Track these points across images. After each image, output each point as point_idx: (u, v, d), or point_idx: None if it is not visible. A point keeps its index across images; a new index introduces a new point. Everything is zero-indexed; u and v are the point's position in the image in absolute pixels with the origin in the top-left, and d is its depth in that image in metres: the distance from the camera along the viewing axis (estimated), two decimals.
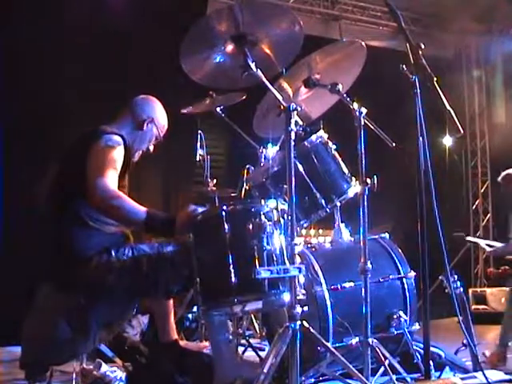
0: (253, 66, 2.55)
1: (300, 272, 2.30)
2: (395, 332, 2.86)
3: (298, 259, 2.35)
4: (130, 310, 2.88)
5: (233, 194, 4.36)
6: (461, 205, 8.72)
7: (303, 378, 2.63)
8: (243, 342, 3.79)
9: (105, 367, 2.92)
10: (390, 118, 4.54)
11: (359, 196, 2.69)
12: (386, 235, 3.19)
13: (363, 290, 2.60)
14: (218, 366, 2.69)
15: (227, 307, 2.47)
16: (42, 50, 5.22)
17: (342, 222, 3.13)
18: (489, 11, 7.24)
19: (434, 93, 2.57)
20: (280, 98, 2.51)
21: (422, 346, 2.68)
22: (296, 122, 2.48)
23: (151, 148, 2.98)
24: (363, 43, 2.95)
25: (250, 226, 2.39)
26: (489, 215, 8.85)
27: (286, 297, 2.35)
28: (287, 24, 2.59)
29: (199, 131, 4.49)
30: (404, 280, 2.99)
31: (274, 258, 2.39)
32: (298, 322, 2.30)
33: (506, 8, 7.19)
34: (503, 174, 5.46)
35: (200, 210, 2.57)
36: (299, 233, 4.00)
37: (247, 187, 3.45)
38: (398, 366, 2.67)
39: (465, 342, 3.40)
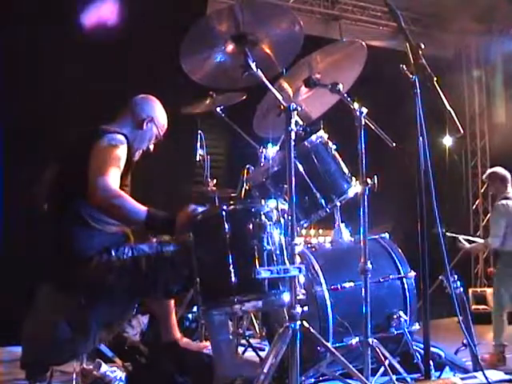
0: (253, 65, 2.55)
1: (300, 272, 2.30)
2: (395, 332, 2.86)
3: (297, 259, 2.35)
4: (129, 309, 2.88)
5: (233, 194, 4.36)
6: (461, 205, 8.72)
7: (303, 378, 2.63)
8: (243, 341, 3.79)
9: (105, 367, 2.92)
10: (390, 118, 4.53)
11: (359, 196, 2.69)
12: (386, 235, 3.19)
13: (363, 290, 2.60)
14: (218, 366, 2.69)
15: (227, 307, 2.47)
16: (41, 49, 5.22)
17: (342, 221, 3.13)
18: (489, 11, 7.24)
19: (434, 93, 2.57)
20: (280, 97, 2.51)
21: (421, 346, 2.68)
22: (296, 121, 2.48)
23: (151, 147, 2.98)
24: (363, 43, 2.95)
25: (250, 226, 2.39)
26: (489, 215, 8.85)
27: (286, 297, 2.35)
28: (287, 24, 2.59)
29: (199, 131, 4.49)
30: (404, 280, 2.99)
31: (274, 258, 2.39)
32: (298, 322, 2.30)
33: (506, 8, 7.19)
34: (488, 171, 5.48)
35: (200, 209, 2.57)
36: (299, 233, 4.00)
37: (247, 187, 3.45)
38: (398, 366, 2.67)
39: (465, 341, 3.41)
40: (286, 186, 2.41)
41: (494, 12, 7.33)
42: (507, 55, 8.17)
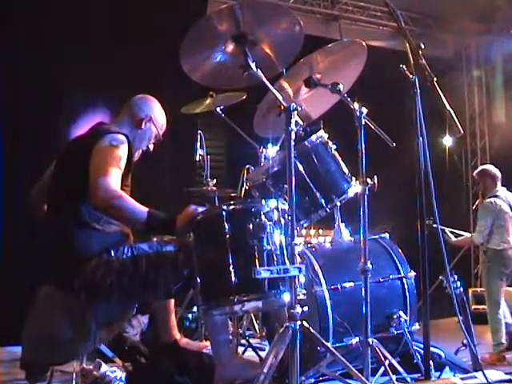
0: (253, 65, 2.55)
1: (300, 272, 2.30)
2: (395, 332, 2.86)
3: (297, 259, 2.35)
4: (130, 309, 2.88)
5: (233, 194, 4.37)
6: (461, 205, 8.72)
7: (303, 378, 2.63)
8: (243, 341, 3.80)
9: (105, 367, 2.92)
10: (390, 118, 4.54)
11: (359, 196, 2.69)
12: (386, 235, 3.19)
13: (363, 290, 2.60)
14: (218, 367, 2.69)
15: (227, 307, 2.47)
16: (41, 49, 5.22)
17: (342, 221, 3.13)
18: (489, 11, 7.24)
19: (433, 93, 2.57)
20: (280, 97, 2.51)
21: (421, 346, 2.68)
22: (296, 121, 2.48)
23: (151, 147, 2.98)
24: (363, 43, 2.95)
25: (250, 226, 2.39)
26: None
27: (286, 297, 2.35)
28: (287, 24, 2.59)
29: (199, 131, 4.49)
30: (404, 280, 2.99)
31: (274, 258, 2.39)
32: (298, 322, 2.30)
33: (506, 8, 7.19)
34: (479, 168, 5.51)
35: (200, 209, 2.57)
36: (299, 233, 3.99)
37: (247, 187, 3.45)
38: (398, 366, 2.67)
39: (465, 342, 3.41)
40: (286, 185, 2.42)
41: (494, 12, 7.33)
42: (507, 55, 8.17)
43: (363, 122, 2.69)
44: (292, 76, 2.97)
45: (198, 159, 4.48)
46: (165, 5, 5.72)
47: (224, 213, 2.43)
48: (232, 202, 2.51)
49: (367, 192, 2.67)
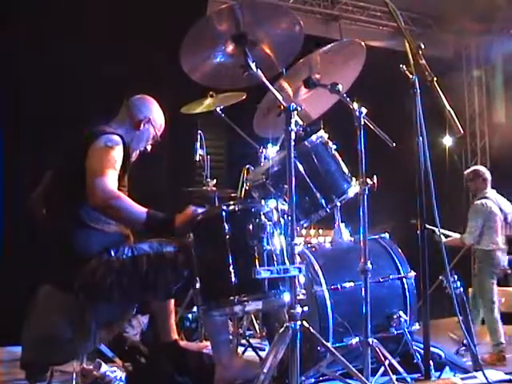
0: (253, 65, 2.55)
1: (300, 272, 2.30)
2: (395, 332, 2.86)
3: (298, 259, 2.35)
4: (130, 310, 2.89)
5: (233, 194, 4.36)
6: (461, 205, 8.72)
7: (303, 378, 2.63)
8: (243, 341, 3.79)
9: (105, 367, 2.92)
10: (390, 118, 4.54)
11: (359, 196, 2.69)
12: (386, 235, 3.19)
13: (363, 289, 2.60)
14: (217, 366, 2.69)
15: (227, 307, 2.47)
16: (41, 49, 5.22)
17: (342, 221, 3.13)
18: (489, 11, 7.24)
19: (434, 93, 2.57)
20: (280, 97, 2.51)
21: (421, 346, 2.68)
22: (296, 121, 2.48)
23: (148, 148, 2.98)
24: (363, 43, 2.95)
25: (250, 226, 2.39)
26: None
27: (286, 297, 2.35)
28: (287, 24, 2.59)
29: (199, 131, 4.49)
30: (404, 280, 2.98)
31: (274, 258, 2.39)
32: (298, 322, 2.29)
33: (506, 8, 7.20)
34: (471, 169, 5.54)
35: (200, 210, 2.57)
36: (299, 233, 4.00)
37: (247, 187, 3.45)
38: (398, 366, 2.67)
39: (465, 342, 3.41)
40: (285, 186, 2.41)
41: (494, 12, 7.33)
42: (507, 55, 8.17)
43: (363, 122, 2.69)
44: (292, 76, 2.97)
45: (198, 159, 4.48)
46: (165, 5, 5.72)
47: (224, 213, 2.43)
48: (232, 203, 2.50)
49: (367, 192, 2.67)
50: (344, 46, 3.10)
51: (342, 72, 3.01)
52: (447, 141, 8.47)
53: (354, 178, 2.97)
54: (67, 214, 2.66)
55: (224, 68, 2.69)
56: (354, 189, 2.94)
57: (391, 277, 2.97)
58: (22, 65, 5.31)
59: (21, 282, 3.87)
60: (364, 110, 2.70)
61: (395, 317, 2.87)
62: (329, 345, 2.53)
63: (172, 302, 3.02)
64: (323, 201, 2.95)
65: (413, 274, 2.99)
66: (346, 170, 3.03)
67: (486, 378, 2.74)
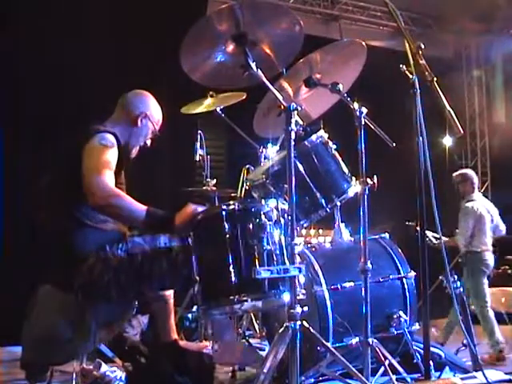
0: (253, 65, 2.55)
1: (300, 272, 2.30)
2: (395, 332, 2.86)
3: (298, 259, 2.35)
4: (129, 309, 2.88)
5: (233, 194, 4.36)
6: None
7: (303, 378, 2.63)
8: (243, 341, 3.80)
9: (105, 367, 2.92)
10: (390, 118, 4.54)
11: (359, 196, 2.69)
12: (386, 235, 3.19)
13: (363, 289, 2.60)
14: (218, 346, 2.67)
15: (227, 307, 2.47)
16: (41, 49, 5.22)
17: (342, 221, 3.13)
18: (489, 11, 7.24)
19: (434, 93, 2.57)
20: (280, 97, 2.51)
21: (421, 346, 2.68)
22: (296, 121, 2.48)
23: (149, 142, 2.97)
24: (363, 43, 2.95)
25: (250, 226, 2.39)
26: None
27: (286, 297, 2.35)
28: (287, 24, 2.59)
29: (199, 131, 4.49)
30: (404, 280, 2.99)
31: (274, 258, 2.39)
32: (298, 322, 2.29)
33: (506, 8, 7.20)
34: (461, 171, 5.61)
35: (200, 209, 2.57)
36: (299, 233, 4.00)
37: (247, 187, 3.45)
38: (398, 366, 2.67)
39: (465, 342, 3.41)
40: (286, 185, 2.41)
41: (494, 12, 7.34)
42: (507, 55, 8.17)
43: (363, 122, 2.69)
44: (292, 76, 2.96)
45: (198, 159, 4.49)
46: (165, 5, 5.72)
47: (224, 213, 2.43)
48: (232, 202, 2.50)
49: (367, 192, 2.67)
50: (345, 45, 3.10)
51: (343, 72, 3.01)
52: (447, 141, 8.47)
53: (354, 178, 2.97)
54: (66, 213, 2.65)
55: (224, 68, 2.69)
56: (353, 189, 2.94)
57: (391, 277, 2.98)
58: (22, 65, 5.31)
59: (21, 281, 3.86)
60: (365, 110, 2.70)
61: (395, 317, 2.87)
62: (329, 345, 2.53)
63: (172, 301, 3.01)
64: (323, 201, 2.94)
65: (413, 274, 3.00)
66: (346, 169, 3.03)
67: (486, 378, 2.74)
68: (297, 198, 2.39)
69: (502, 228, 5.66)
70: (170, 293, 2.88)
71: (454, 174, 5.56)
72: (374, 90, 5.90)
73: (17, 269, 4.74)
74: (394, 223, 5.43)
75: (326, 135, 3.03)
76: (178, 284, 2.71)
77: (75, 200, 2.61)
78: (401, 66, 2.62)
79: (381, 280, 2.93)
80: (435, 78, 2.57)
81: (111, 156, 2.63)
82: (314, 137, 2.97)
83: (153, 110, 2.92)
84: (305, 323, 2.32)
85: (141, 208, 2.54)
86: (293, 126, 2.43)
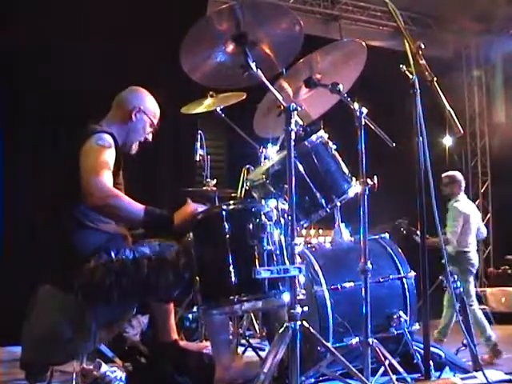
0: (253, 65, 2.55)
1: (300, 272, 2.30)
2: (395, 332, 2.86)
3: (298, 259, 2.35)
4: (130, 310, 2.88)
5: (233, 194, 4.37)
6: None
7: (303, 378, 2.63)
8: (243, 341, 3.79)
9: (105, 367, 2.92)
10: (390, 118, 4.54)
11: (359, 196, 2.69)
12: (386, 235, 3.19)
13: (363, 290, 2.59)
14: (217, 367, 2.69)
15: (227, 307, 2.47)
16: (41, 49, 5.23)
17: (342, 221, 3.13)
18: (489, 11, 7.25)
19: (434, 93, 2.57)
20: (280, 97, 2.51)
21: (421, 345, 2.68)
22: (296, 121, 2.48)
23: (149, 137, 2.95)
24: (363, 43, 2.95)
25: (250, 226, 2.39)
26: (489, 215, 8.86)
27: (286, 297, 2.35)
28: (287, 24, 2.59)
29: (199, 131, 4.49)
30: (404, 280, 2.98)
31: (274, 258, 2.39)
32: (298, 322, 2.29)
33: (506, 7, 7.20)
34: (449, 173, 5.65)
35: (200, 208, 2.57)
36: (299, 233, 3.99)
37: (247, 187, 3.45)
38: (398, 366, 2.67)
39: (465, 342, 3.41)
40: (286, 185, 2.41)
41: (494, 11, 7.34)
42: (507, 55, 8.18)
43: (363, 122, 2.69)
44: (292, 76, 2.96)
45: (198, 159, 4.48)
46: (165, 5, 5.73)
47: (224, 213, 2.43)
48: (232, 202, 2.50)
49: (367, 192, 2.67)
50: (345, 45, 3.10)
51: (343, 72, 3.01)
52: (447, 141, 8.47)
53: (354, 178, 2.97)
54: (66, 213, 2.65)
55: (224, 68, 2.69)
56: (354, 189, 2.94)
57: (391, 277, 2.97)
58: (22, 65, 5.31)
59: (21, 281, 3.87)
60: (365, 110, 2.70)
61: (395, 317, 2.87)
62: (329, 345, 2.53)
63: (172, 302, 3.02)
64: (323, 201, 2.94)
65: (413, 274, 2.99)
66: (346, 169, 3.03)
67: (486, 378, 2.75)
68: (297, 198, 2.39)
69: (483, 231, 5.83)
70: None
71: (443, 175, 5.59)
72: (374, 90, 5.90)
73: (17, 269, 4.75)
74: (394, 223, 5.44)
75: (326, 135, 3.03)
76: (182, 291, 2.70)
77: (75, 200, 2.60)
78: (401, 65, 2.62)
79: (381, 280, 2.93)
80: (435, 78, 2.57)
81: (109, 156, 2.63)
82: (314, 137, 2.97)
83: (147, 103, 2.90)
84: (305, 323, 2.32)
85: (139, 208, 2.54)
86: (293, 126, 2.43)
